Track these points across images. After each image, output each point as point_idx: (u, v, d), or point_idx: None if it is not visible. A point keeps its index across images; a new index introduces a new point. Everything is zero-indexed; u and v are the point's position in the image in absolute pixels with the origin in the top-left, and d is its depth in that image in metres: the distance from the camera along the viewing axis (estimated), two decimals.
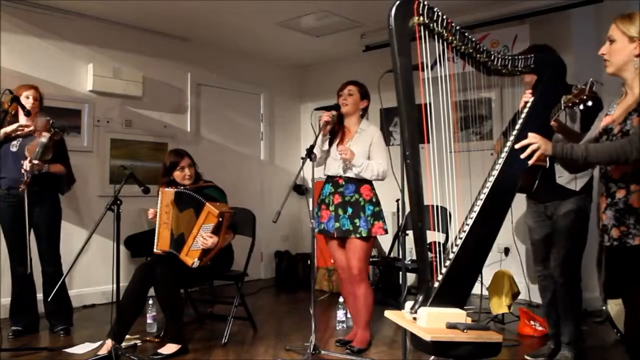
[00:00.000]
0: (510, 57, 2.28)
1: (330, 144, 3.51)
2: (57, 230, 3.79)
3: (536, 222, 3.16)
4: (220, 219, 3.35)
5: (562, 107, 2.29)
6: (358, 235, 3.33)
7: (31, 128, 3.64)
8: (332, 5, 4.61)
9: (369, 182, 3.43)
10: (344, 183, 3.42)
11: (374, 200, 3.41)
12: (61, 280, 3.40)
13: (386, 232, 3.43)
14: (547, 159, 2.45)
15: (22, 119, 3.68)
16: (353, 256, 3.38)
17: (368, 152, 3.42)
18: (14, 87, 3.71)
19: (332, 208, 3.43)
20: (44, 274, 3.72)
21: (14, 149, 3.65)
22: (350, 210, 3.37)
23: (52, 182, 3.67)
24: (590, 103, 2.18)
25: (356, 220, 3.34)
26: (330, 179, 3.50)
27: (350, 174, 3.39)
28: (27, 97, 3.67)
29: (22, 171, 3.44)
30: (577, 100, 2.20)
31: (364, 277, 3.43)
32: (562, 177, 2.99)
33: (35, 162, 3.45)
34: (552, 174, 2.98)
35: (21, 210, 3.53)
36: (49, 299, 3.64)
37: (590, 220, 3.00)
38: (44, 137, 3.50)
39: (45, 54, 4.63)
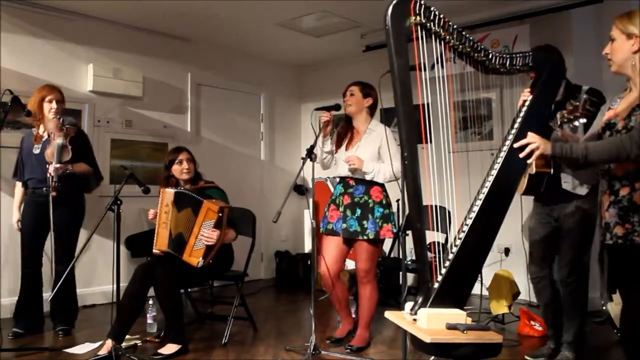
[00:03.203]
0: (508, 56, 2.27)
1: (340, 146, 3.50)
2: (77, 232, 3.79)
3: (540, 223, 3.15)
4: (220, 214, 3.36)
5: (558, 124, 2.29)
6: (365, 238, 3.32)
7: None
8: (332, 5, 4.61)
9: (380, 183, 3.41)
10: (354, 184, 3.41)
11: (384, 202, 3.39)
12: (61, 280, 3.39)
13: (395, 234, 3.39)
14: (552, 164, 2.45)
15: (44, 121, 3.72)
16: (360, 258, 3.37)
17: (378, 154, 3.40)
18: (36, 87, 3.77)
19: (341, 209, 3.42)
20: (56, 273, 3.72)
21: (36, 152, 3.69)
22: (359, 211, 3.36)
23: (76, 182, 3.67)
24: (584, 120, 2.19)
25: (364, 222, 3.33)
26: (341, 180, 3.50)
27: (359, 176, 3.38)
28: (50, 101, 3.68)
29: (48, 176, 3.44)
30: (572, 117, 2.20)
31: (371, 278, 3.42)
32: (568, 182, 2.99)
33: (57, 165, 3.44)
34: (557, 180, 2.97)
35: (44, 212, 3.54)
36: (49, 299, 3.64)
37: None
38: (59, 138, 3.50)
39: (45, 54, 4.63)
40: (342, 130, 3.56)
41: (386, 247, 5.24)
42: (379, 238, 3.34)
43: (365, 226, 3.33)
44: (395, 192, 3.12)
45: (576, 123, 2.22)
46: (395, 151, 3.29)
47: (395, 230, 3.37)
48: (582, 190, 2.97)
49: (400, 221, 3.03)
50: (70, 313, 3.83)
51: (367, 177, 3.34)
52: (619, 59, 2.06)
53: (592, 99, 2.64)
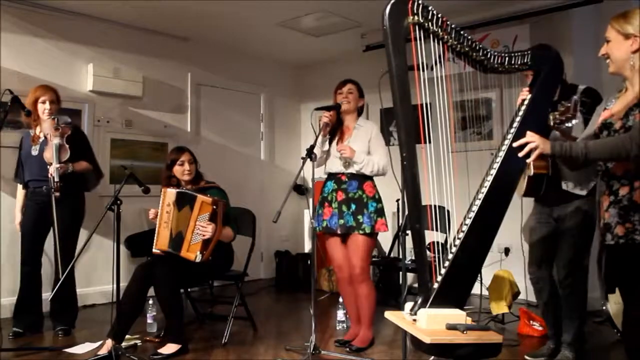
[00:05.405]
0: (507, 55, 2.27)
1: (330, 143, 3.51)
2: (77, 231, 3.80)
3: (539, 222, 3.15)
4: (215, 207, 3.36)
5: (551, 125, 2.29)
6: (362, 232, 3.33)
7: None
8: (332, 5, 4.61)
9: (371, 178, 3.45)
10: (347, 180, 3.43)
11: (376, 196, 3.43)
12: (61, 280, 3.39)
13: (387, 228, 3.44)
14: (550, 166, 2.44)
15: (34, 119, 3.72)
16: (355, 254, 3.37)
17: (368, 148, 3.44)
18: (31, 88, 3.77)
19: (335, 205, 3.42)
20: (56, 273, 3.72)
21: (35, 153, 3.70)
22: (353, 206, 3.37)
23: (77, 181, 3.68)
24: (575, 121, 2.20)
25: (359, 217, 3.35)
26: (332, 176, 3.51)
27: (352, 171, 3.41)
28: (44, 102, 3.68)
29: (50, 177, 3.46)
30: (564, 118, 2.21)
31: (366, 276, 3.42)
32: (568, 183, 2.98)
33: (58, 166, 3.45)
34: (557, 181, 2.97)
35: (44, 211, 3.57)
36: (50, 299, 3.64)
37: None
38: (55, 139, 3.51)
39: (45, 54, 4.63)
40: (333, 128, 3.54)
41: (386, 246, 5.25)
42: (374, 232, 3.37)
43: (361, 221, 3.34)
44: (394, 191, 3.12)
45: (568, 124, 2.22)
46: (382, 147, 3.42)
47: (387, 224, 3.42)
48: (582, 191, 2.96)
49: (400, 221, 3.03)
50: (70, 313, 3.84)
51: (356, 167, 3.37)
52: (617, 59, 2.05)
53: (583, 99, 2.64)
